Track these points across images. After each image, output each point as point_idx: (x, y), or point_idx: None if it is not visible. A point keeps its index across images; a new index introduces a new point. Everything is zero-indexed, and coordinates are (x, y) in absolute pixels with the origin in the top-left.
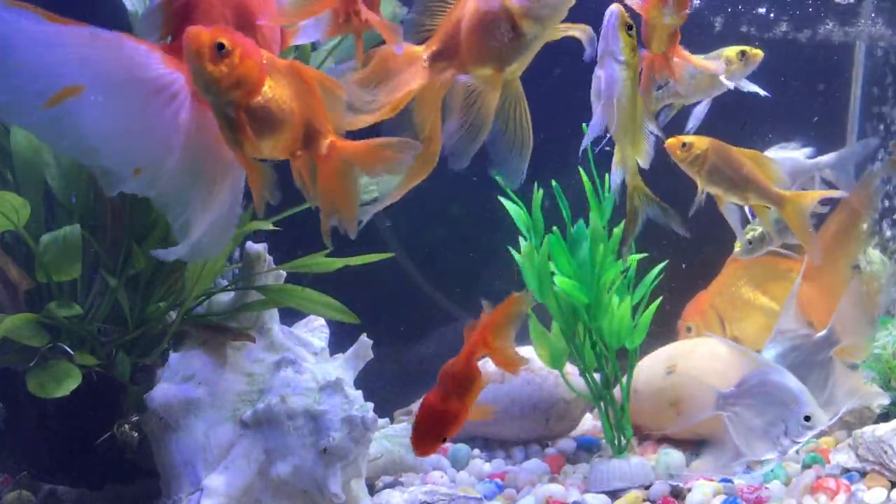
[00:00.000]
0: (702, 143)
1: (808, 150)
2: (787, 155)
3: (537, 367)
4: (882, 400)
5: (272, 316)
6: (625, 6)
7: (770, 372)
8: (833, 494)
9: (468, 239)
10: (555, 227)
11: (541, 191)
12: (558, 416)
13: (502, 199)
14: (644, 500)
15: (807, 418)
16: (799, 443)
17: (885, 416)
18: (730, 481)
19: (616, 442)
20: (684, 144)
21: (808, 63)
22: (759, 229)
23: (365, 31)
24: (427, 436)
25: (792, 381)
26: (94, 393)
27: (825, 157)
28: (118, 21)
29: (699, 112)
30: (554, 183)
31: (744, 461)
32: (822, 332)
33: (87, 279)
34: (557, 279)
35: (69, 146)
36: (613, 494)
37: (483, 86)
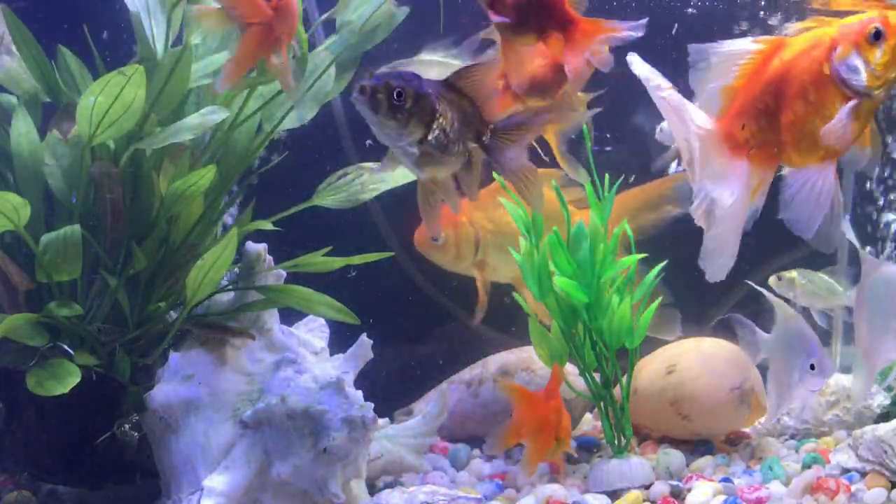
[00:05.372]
0: None
1: None
2: None
3: (537, 367)
4: (882, 400)
5: (272, 316)
6: None
7: (792, 318)
8: (833, 494)
9: None
10: (554, 228)
11: None
12: None
13: (502, 200)
14: (644, 500)
15: (812, 367)
16: (812, 392)
17: (885, 416)
18: (730, 481)
19: (616, 442)
20: None
21: None
22: (795, 274)
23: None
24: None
25: (808, 331)
26: (93, 393)
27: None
28: (120, 20)
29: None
30: (553, 183)
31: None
32: None
33: (87, 279)
34: (557, 279)
35: None
36: (613, 494)
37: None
